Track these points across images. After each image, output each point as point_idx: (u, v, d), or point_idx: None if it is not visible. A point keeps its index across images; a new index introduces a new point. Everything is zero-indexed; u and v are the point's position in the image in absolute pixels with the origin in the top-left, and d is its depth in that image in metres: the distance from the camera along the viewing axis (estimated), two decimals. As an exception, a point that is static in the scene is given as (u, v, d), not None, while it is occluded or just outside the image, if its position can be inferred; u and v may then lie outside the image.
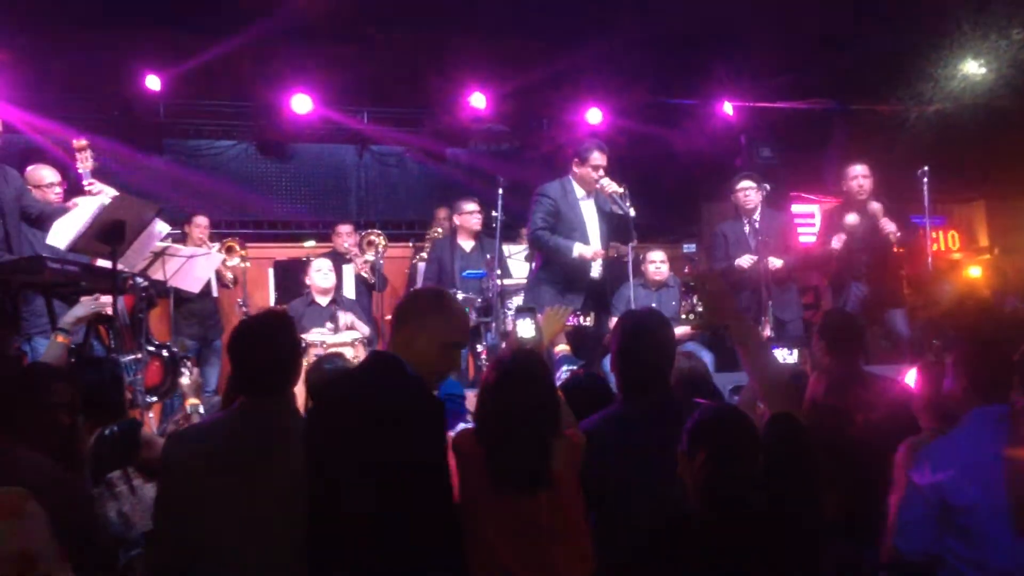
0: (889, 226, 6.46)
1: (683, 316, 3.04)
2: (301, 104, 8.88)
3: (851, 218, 6.58)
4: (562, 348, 4.88)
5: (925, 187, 6.42)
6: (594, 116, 9.39)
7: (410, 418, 2.56)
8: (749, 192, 6.87)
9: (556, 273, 6.05)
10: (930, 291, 7.66)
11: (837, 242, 6.53)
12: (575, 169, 6.09)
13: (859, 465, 3.54)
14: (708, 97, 9.40)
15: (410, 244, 8.42)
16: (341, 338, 6.65)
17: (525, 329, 3.39)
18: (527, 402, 2.72)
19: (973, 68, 10.03)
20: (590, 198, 6.14)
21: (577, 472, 2.77)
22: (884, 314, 6.67)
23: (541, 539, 2.67)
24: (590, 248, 5.97)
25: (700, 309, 2.89)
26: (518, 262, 7.56)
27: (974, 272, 11.06)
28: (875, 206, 6.53)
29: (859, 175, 6.68)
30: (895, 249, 6.62)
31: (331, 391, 2.91)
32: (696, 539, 2.39)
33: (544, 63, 8.77)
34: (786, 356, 5.88)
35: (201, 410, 4.03)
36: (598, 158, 6.00)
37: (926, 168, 6.44)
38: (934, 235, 10.11)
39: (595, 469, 2.84)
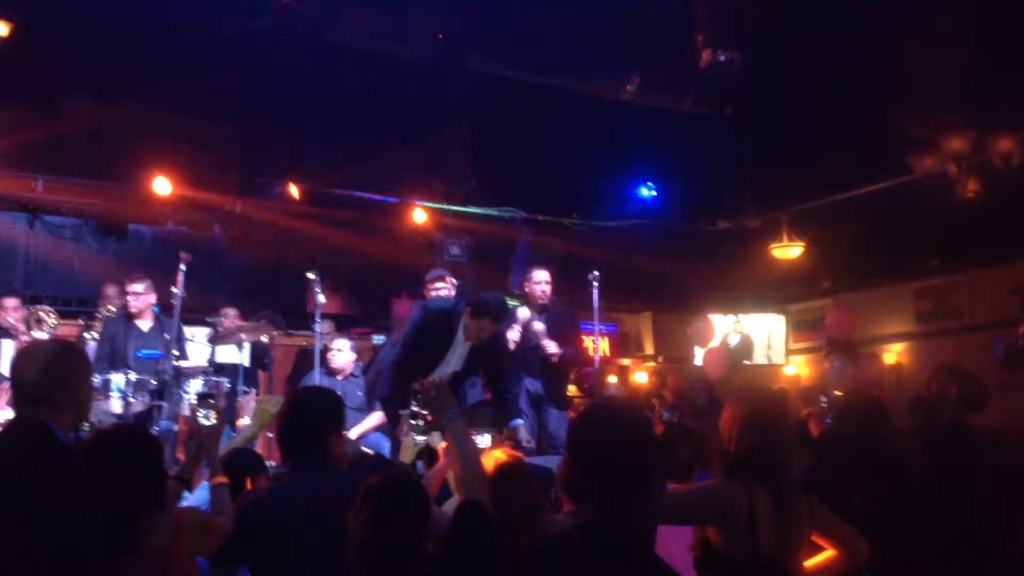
0: (551, 348, 6.64)
1: (411, 422, 3.29)
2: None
3: (523, 312, 6.83)
4: None
5: (595, 290, 6.77)
6: (293, 192, 9.18)
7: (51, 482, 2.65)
8: (440, 289, 7.02)
9: None
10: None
11: (515, 334, 6.71)
12: None
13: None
14: (401, 197, 9.54)
15: (80, 321, 7.79)
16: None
17: (206, 417, 3.52)
18: (115, 475, 2.79)
19: (648, 191, 11.08)
20: None
21: (184, 548, 2.89)
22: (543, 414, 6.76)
23: None
24: None
25: (424, 413, 3.14)
26: (199, 345, 7.24)
27: (640, 377, 12.01)
28: (538, 327, 6.68)
29: (542, 281, 6.89)
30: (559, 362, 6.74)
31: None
32: None
33: (233, 145, 8.58)
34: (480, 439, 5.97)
35: None
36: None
37: (596, 273, 6.78)
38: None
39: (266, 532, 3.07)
